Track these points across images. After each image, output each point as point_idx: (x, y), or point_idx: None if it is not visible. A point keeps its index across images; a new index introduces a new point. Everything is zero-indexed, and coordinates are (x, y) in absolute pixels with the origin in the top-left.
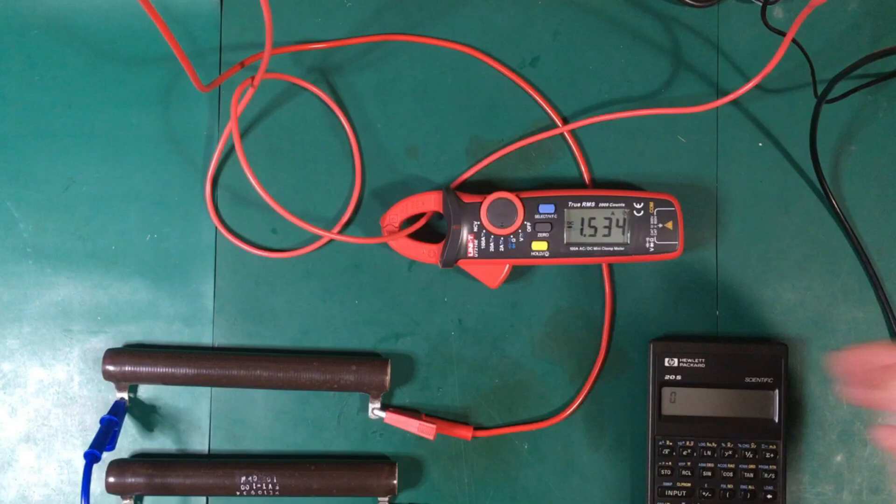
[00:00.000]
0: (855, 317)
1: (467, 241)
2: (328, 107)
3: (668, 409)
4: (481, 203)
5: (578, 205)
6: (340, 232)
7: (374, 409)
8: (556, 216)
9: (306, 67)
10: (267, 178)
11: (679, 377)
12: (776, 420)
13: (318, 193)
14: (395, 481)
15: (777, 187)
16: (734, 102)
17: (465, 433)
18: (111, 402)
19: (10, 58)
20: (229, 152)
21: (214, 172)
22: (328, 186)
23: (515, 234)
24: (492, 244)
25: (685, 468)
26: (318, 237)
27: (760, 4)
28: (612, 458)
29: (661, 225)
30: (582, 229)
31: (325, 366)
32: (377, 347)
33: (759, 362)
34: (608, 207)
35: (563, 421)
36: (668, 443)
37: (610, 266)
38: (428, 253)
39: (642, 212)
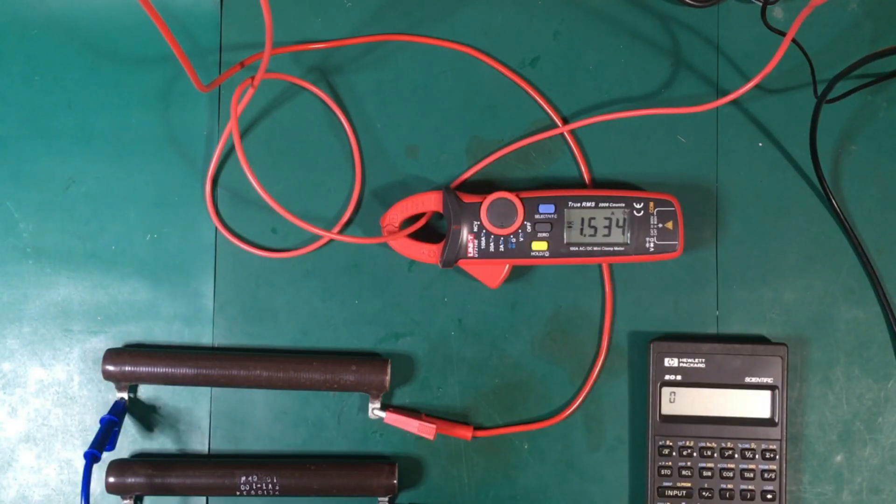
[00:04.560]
0: (855, 317)
1: (467, 241)
2: (328, 107)
3: (668, 409)
4: (481, 203)
5: (578, 205)
6: (340, 232)
7: (374, 409)
8: (556, 216)
9: (306, 67)
10: (267, 178)
11: (679, 377)
12: (776, 420)
13: (318, 193)
14: (395, 481)
15: (777, 187)
16: (734, 102)
17: (465, 433)
18: (111, 402)
19: (10, 58)
20: (229, 152)
21: (214, 172)
22: (328, 186)
23: (515, 234)
24: (492, 244)
25: (685, 468)
26: (318, 237)
27: (760, 4)
28: (611, 458)
29: (661, 225)
30: (582, 229)
31: (325, 366)
32: (377, 347)
33: (759, 362)
34: (608, 207)
35: (563, 421)
36: (668, 443)
37: (610, 266)
38: (428, 253)
39: (642, 212)
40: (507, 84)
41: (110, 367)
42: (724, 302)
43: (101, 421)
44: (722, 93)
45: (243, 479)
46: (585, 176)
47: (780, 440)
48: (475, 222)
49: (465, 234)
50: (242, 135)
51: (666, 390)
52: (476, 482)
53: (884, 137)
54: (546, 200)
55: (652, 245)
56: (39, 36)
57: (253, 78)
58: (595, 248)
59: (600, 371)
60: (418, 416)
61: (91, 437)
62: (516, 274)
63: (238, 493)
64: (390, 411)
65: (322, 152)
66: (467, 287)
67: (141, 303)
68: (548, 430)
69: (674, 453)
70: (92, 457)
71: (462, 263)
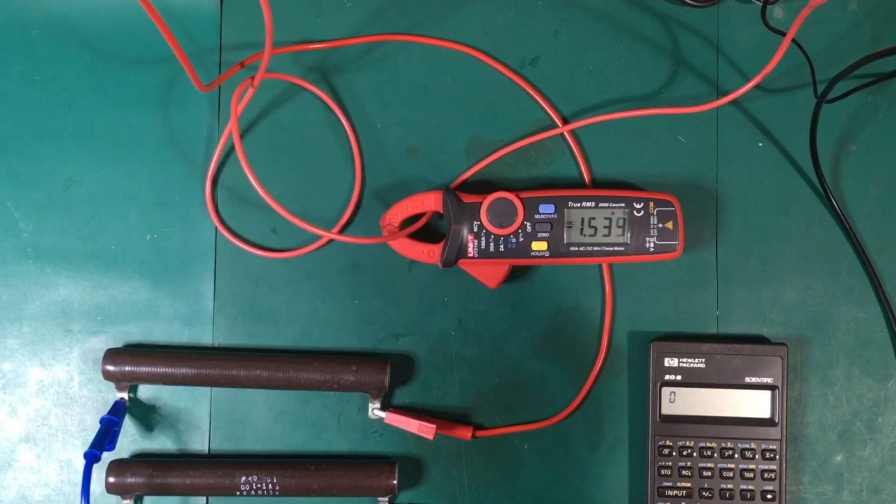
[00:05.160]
0: (855, 317)
1: (467, 241)
2: (328, 107)
3: (668, 409)
4: (481, 203)
5: (578, 205)
6: (340, 232)
7: (374, 409)
8: (556, 216)
9: (306, 67)
10: (267, 178)
11: (679, 377)
12: (776, 420)
13: (318, 193)
14: (395, 481)
15: (777, 187)
16: (734, 102)
17: (465, 433)
18: (111, 402)
19: (10, 58)
20: (229, 152)
21: (214, 172)
22: (328, 186)
23: (515, 234)
24: (492, 244)
25: (685, 468)
26: (318, 237)
27: (760, 4)
28: (612, 458)
29: (661, 225)
30: (582, 229)
31: (325, 366)
32: (377, 347)
33: (759, 362)
34: (608, 207)
35: (563, 421)
36: (668, 443)
37: (610, 266)
38: (428, 253)
39: (642, 212)
40: (507, 84)
41: (110, 367)
42: (724, 302)
43: (101, 421)
44: (722, 93)
45: (243, 479)
46: (585, 176)
47: (780, 440)
48: (475, 222)
49: (465, 234)
50: (242, 135)
51: (666, 390)
52: (476, 482)
53: (884, 137)
54: (546, 200)
55: (652, 245)
56: (39, 36)
57: (253, 78)
58: (595, 248)
59: (600, 371)
60: (418, 416)
61: (91, 437)
62: (516, 274)
63: (238, 493)
64: (390, 411)
65: (322, 152)
66: (467, 287)
67: (141, 303)
68: (548, 430)
69: (674, 453)
70: (92, 457)
71: (462, 263)
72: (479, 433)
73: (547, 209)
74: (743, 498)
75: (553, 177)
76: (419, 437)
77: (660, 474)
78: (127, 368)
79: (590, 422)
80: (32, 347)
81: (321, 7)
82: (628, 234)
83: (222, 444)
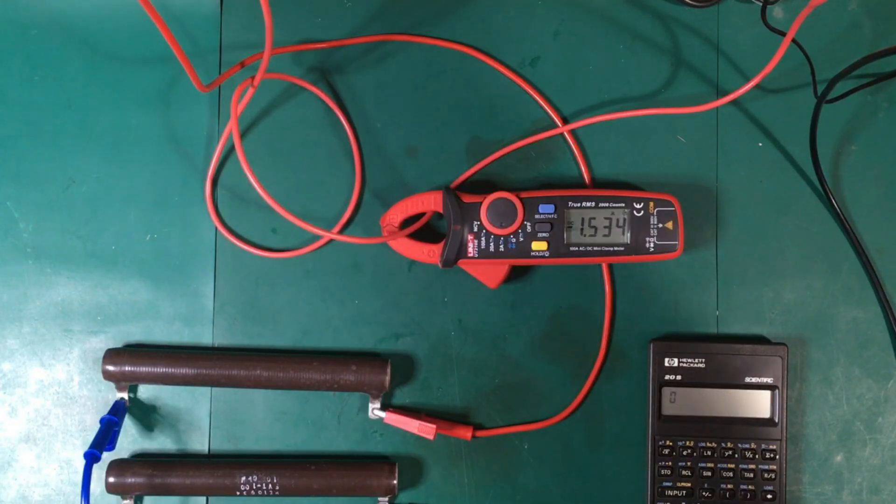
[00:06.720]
0: (855, 317)
1: (467, 241)
2: (328, 107)
3: (668, 409)
4: (481, 203)
5: (578, 205)
6: (340, 232)
7: (374, 409)
8: (556, 216)
9: (306, 67)
10: (267, 178)
11: (679, 377)
12: (776, 420)
13: (318, 193)
14: (395, 481)
15: (777, 187)
16: (734, 102)
17: (465, 433)
18: (111, 402)
19: (10, 58)
20: (229, 152)
21: (214, 172)
22: (328, 186)
23: (515, 234)
24: (492, 244)
25: (685, 468)
26: (318, 237)
27: (760, 4)
28: (611, 458)
29: (661, 225)
30: (582, 229)
31: (325, 366)
32: (377, 347)
33: (759, 362)
34: (608, 207)
35: (563, 421)
36: (668, 443)
37: (610, 266)
38: (428, 253)
39: (642, 212)
40: (507, 84)
41: (110, 367)
42: (724, 302)
43: (101, 421)
44: (722, 93)
45: (243, 479)
46: (585, 176)
47: (780, 440)
48: (475, 222)
49: (465, 234)
50: (242, 135)
51: (666, 390)
52: (476, 482)
53: (884, 137)
54: (546, 200)
55: (652, 245)
56: (39, 36)
57: (253, 78)
58: (595, 249)
59: (600, 371)
60: (418, 416)
61: (91, 437)
62: (516, 274)
63: (238, 493)
64: (390, 411)
65: (322, 152)
66: (467, 287)
67: (141, 303)
68: (548, 430)
69: (674, 453)
70: (92, 457)
71: (462, 263)
72: (479, 433)
73: (547, 209)
74: (743, 498)
75: (553, 177)
76: (419, 437)
77: (660, 474)
78: (127, 368)
79: (590, 422)
80: (32, 347)
81: (321, 7)
82: (628, 234)
83: (222, 444)
